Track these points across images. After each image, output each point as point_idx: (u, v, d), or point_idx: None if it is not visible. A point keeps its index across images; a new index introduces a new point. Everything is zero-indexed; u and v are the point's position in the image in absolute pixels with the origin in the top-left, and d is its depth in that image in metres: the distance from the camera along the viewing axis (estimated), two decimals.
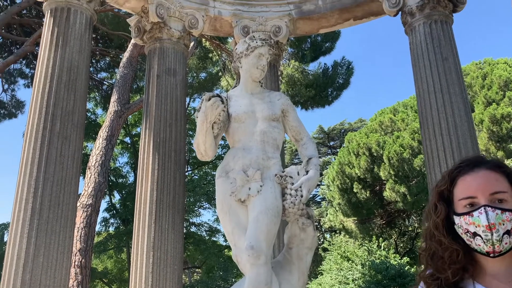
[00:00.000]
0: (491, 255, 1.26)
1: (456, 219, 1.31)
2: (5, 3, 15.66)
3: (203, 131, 3.27)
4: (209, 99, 3.25)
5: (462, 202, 1.30)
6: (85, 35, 5.09)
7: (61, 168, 4.49)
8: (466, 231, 1.28)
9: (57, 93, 4.69)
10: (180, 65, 5.89)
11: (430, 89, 5.40)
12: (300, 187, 3.26)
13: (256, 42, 3.50)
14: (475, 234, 1.26)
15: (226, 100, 3.51)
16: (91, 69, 17.94)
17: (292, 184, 3.29)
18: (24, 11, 14.65)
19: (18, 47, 15.34)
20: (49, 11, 5.07)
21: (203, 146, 3.35)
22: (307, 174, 3.34)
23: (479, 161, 1.34)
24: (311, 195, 29.07)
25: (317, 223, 27.58)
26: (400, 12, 5.99)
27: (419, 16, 5.70)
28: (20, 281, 4.04)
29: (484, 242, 1.25)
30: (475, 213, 1.26)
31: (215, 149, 3.43)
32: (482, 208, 1.25)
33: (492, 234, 1.24)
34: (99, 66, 18.24)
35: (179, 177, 5.40)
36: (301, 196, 3.24)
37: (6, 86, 17.16)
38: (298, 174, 3.33)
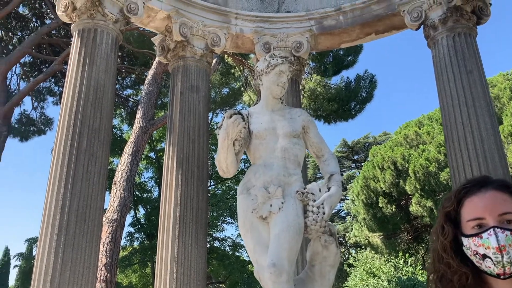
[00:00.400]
0: (502, 277, 1.23)
1: (465, 241, 1.28)
2: (35, 24, 16.24)
3: (224, 148, 3.30)
4: (230, 117, 3.29)
5: (470, 224, 1.27)
6: (111, 55, 5.24)
7: (88, 184, 4.59)
8: (475, 253, 1.25)
9: (84, 111, 4.83)
10: (203, 82, 5.99)
11: (454, 103, 5.33)
12: (322, 204, 3.24)
13: (277, 60, 3.52)
14: (484, 256, 1.23)
15: (247, 117, 3.54)
16: (117, 86, 18.35)
17: (314, 201, 3.27)
18: (53, 31, 15.14)
19: (47, 66, 15.83)
20: (77, 32, 5.25)
21: (224, 163, 3.38)
22: (329, 190, 3.32)
23: (486, 181, 1.32)
24: (335, 210, 28.83)
25: (342, 239, 27.19)
26: (422, 26, 5.96)
27: (442, 29, 5.66)
28: None
29: (494, 264, 1.22)
30: (484, 235, 1.23)
31: (236, 166, 3.46)
32: (492, 229, 1.23)
33: (502, 256, 1.21)
34: (124, 83, 18.62)
35: (202, 193, 5.45)
36: (323, 213, 3.21)
37: (36, 104, 17.68)
38: (320, 190, 3.31)
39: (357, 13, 6.35)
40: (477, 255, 1.25)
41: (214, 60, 13.45)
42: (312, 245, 3.32)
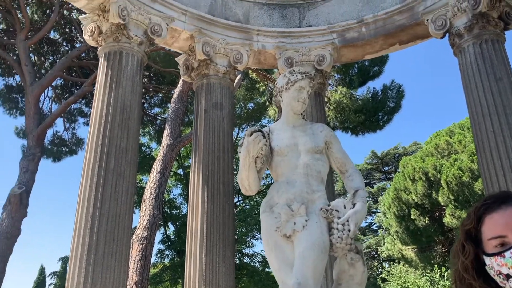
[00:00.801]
0: None
1: (487, 260, 1.23)
2: (66, 48, 16.82)
3: (246, 166, 3.29)
4: (251, 134, 3.27)
5: (492, 242, 1.22)
6: (137, 76, 5.36)
7: (116, 204, 4.66)
8: (498, 272, 1.19)
9: (111, 132, 4.93)
10: (227, 99, 6.04)
11: (484, 112, 5.17)
12: (347, 221, 3.17)
13: (296, 76, 3.51)
14: (508, 276, 1.17)
15: (268, 134, 3.53)
16: (145, 105, 18.73)
17: (339, 218, 3.20)
18: (83, 54, 15.62)
19: (78, 88, 16.30)
20: (103, 55, 5.40)
21: (246, 181, 3.36)
22: (354, 207, 3.26)
23: (506, 197, 1.26)
24: (366, 224, 28.21)
25: (374, 252, 26.65)
26: (447, 34, 5.85)
27: (468, 37, 5.53)
28: None
29: None
30: (507, 254, 1.17)
31: (258, 184, 3.45)
32: None
33: None
34: (152, 102, 19.00)
35: (228, 210, 5.45)
36: (349, 230, 3.14)
37: (67, 125, 18.17)
38: (345, 207, 3.24)
39: (379, 24, 6.30)
40: (500, 275, 1.19)
41: (238, 76, 13.58)
42: (338, 263, 3.25)
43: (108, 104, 5.05)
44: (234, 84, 13.66)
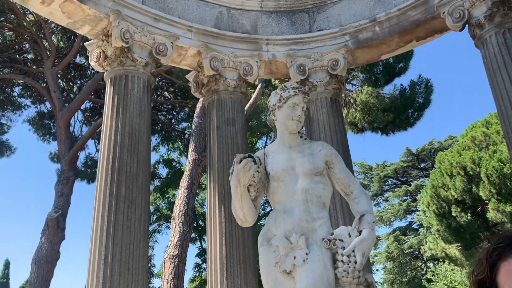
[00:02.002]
0: None
1: None
2: (92, 71, 17.15)
3: (238, 196, 3.02)
4: (240, 161, 2.99)
5: None
6: (144, 98, 5.25)
7: (129, 232, 4.54)
8: None
9: (120, 158, 4.83)
10: (238, 113, 5.86)
11: None
12: (353, 251, 2.81)
13: (289, 92, 3.21)
14: None
15: (265, 157, 3.25)
16: (173, 120, 18.87)
17: (344, 248, 2.85)
18: None
19: None
20: (109, 80, 5.34)
21: (240, 212, 3.07)
22: (360, 234, 2.90)
23: None
24: (407, 223, 27.28)
25: (417, 252, 25.78)
26: (466, 25, 5.47)
27: (489, 27, 5.14)
28: None
29: None
30: None
31: (255, 213, 3.15)
32: None
33: None
34: (179, 117, 19.13)
35: (247, 230, 5.23)
36: (355, 262, 2.78)
37: (98, 146, 18.47)
38: (350, 235, 2.89)
39: (393, 21, 5.97)
40: None
41: (259, 86, 13.40)
42: None
43: (116, 129, 4.95)
44: (255, 93, 13.54)
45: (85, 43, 5.91)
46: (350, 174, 3.27)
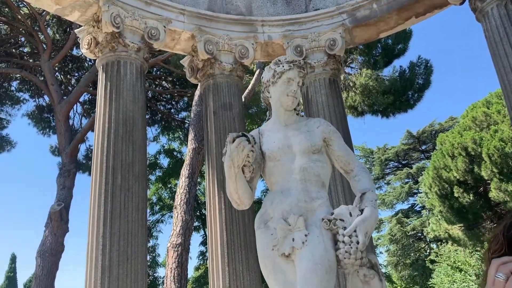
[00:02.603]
0: None
1: None
2: (89, 63, 16.97)
3: (232, 177, 2.84)
4: (233, 141, 2.79)
5: None
6: (137, 84, 5.12)
7: (126, 221, 4.45)
8: None
9: (115, 146, 4.72)
10: (235, 97, 5.72)
11: None
12: (355, 231, 2.67)
13: (283, 66, 3.03)
14: None
15: (260, 136, 3.10)
16: (172, 110, 18.74)
17: (345, 228, 2.69)
18: None
19: None
20: (101, 67, 5.20)
21: (235, 194, 2.92)
22: (361, 213, 2.74)
23: None
24: (409, 205, 27.33)
25: (420, 234, 25.82)
26: None
27: None
28: None
29: None
30: None
31: (251, 196, 3.00)
32: None
33: None
34: (179, 106, 19.00)
35: (248, 214, 5.14)
36: (357, 242, 2.65)
37: None
38: (351, 215, 2.74)
39: None
40: None
41: (257, 71, 13.23)
42: (351, 281, 2.75)
43: (109, 117, 4.83)
44: (253, 79, 13.37)
45: (75, 30, 5.77)
46: (350, 151, 3.11)
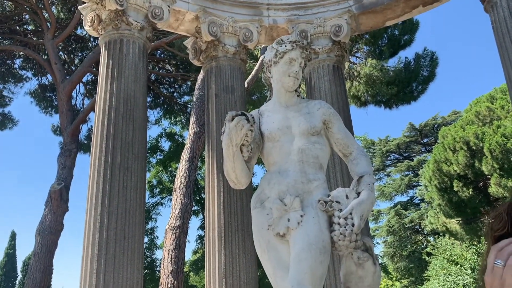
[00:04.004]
0: None
1: None
2: (93, 43, 16.88)
3: (230, 156, 2.85)
4: (232, 119, 2.79)
5: None
6: (140, 64, 5.09)
7: (124, 200, 4.46)
8: None
9: (115, 125, 4.70)
10: (238, 81, 5.68)
11: None
12: (351, 213, 2.67)
13: (286, 46, 3.00)
14: None
15: (259, 116, 3.09)
16: (175, 94, 18.68)
17: (341, 210, 2.69)
18: None
19: None
20: (104, 44, 5.16)
21: (233, 173, 2.92)
22: (358, 196, 2.74)
23: None
24: (408, 198, 27.41)
25: (418, 226, 25.92)
26: None
27: None
28: None
29: None
30: None
31: (248, 175, 2.99)
32: None
33: None
34: (181, 90, 18.93)
35: (246, 198, 5.14)
36: (352, 225, 2.65)
37: None
38: (347, 197, 2.74)
39: None
40: None
41: (261, 57, 13.14)
42: (345, 263, 2.76)
43: (110, 95, 4.81)
44: (257, 64, 13.29)
45: (79, 7, 5.71)
46: (349, 135, 3.09)
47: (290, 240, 2.74)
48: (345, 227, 2.67)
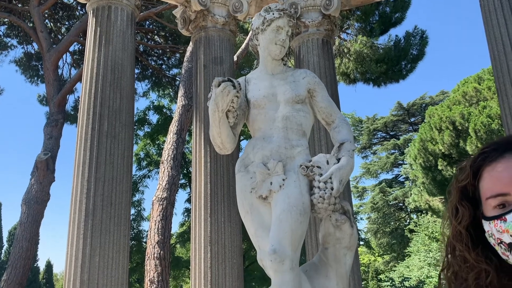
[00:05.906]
0: None
1: (486, 225, 0.93)
2: (80, 12, 16.55)
3: (216, 121, 2.91)
4: (219, 85, 2.83)
5: (491, 202, 0.92)
6: (128, 32, 5.05)
7: (111, 167, 4.50)
8: (499, 241, 0.90)
9: (103, 93, 4.70)
10: (227, 52, 5.67)
11: (507, 50, 4.66)
12: (330, 178, 2.77)
13: (273, 14, 3.04)
14: (511, 246, 0.88)
15: (246, 83, 3.13)
16: (163, 66, 18.47)
17: (321, 175, 2.80)
18: None
19: None
20: (91, 11, 5.10)
21: (218, 138, 3.00)
22: (338, 162, 2.84)
23: (511, 143, 0.94)
24: (393, 176, 27.66)
25: (401, 204, 26.39)
26: None
27: None
28: (79, 281, 4.13)
29: None
30: (509, 217, 0.88)
31: (234, 141, 3.08)
32: None
33: None
34: (170, 63, 18.71)
35: (232, 168, 5.21)
36: (332, 188, 2.75)
37: None
38: (328, 163, 2.84)
39: None
40: (501, 244, 0.90)
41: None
42: (323, 226, 2.89)
43: (98, 63, 4.79)
44: (247, 38, 13.18)
45: None
46: (333, 103, 3.18)
47: (272, 203, 2.85)
48: (324, 190, 2.78)
